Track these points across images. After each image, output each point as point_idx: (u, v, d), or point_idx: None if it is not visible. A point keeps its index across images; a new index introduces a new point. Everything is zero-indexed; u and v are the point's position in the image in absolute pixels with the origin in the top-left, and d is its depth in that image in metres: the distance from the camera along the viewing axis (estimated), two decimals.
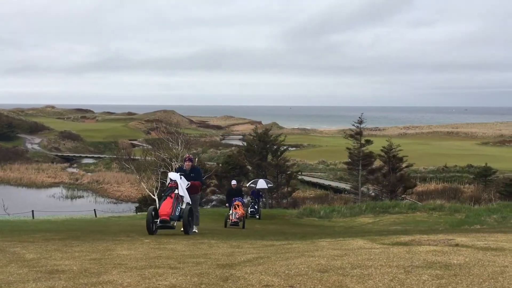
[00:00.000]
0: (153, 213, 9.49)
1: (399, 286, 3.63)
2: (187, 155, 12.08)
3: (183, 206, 10.02)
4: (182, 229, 10.11)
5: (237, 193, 18.01)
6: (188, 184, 10.43)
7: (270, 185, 23.66)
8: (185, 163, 11.62)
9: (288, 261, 4.80)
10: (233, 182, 19.63)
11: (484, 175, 41.68)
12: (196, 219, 11.41)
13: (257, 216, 20.54)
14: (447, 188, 43.27)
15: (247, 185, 18.42)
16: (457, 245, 5.60)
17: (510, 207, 20.58)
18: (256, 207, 20.59)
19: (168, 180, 10.26)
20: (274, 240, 8.29)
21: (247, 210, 18.85)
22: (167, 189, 10.12)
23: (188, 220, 9.83)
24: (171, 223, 9.61)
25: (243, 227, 15.77)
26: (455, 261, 4.43)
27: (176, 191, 9.90)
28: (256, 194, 20.99)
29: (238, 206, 16.32)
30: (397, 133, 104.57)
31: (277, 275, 4.14)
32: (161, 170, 29.19)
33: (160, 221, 9.47)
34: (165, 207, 9.55)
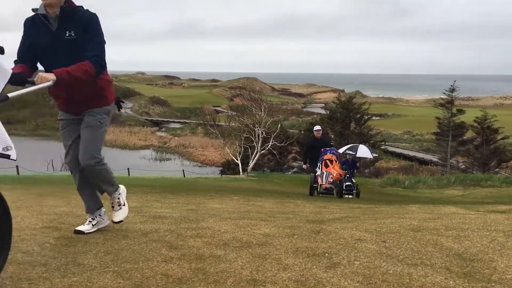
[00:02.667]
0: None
1: (499, 248, 3.51)
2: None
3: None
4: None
5: (324, 144, 12.45)
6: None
7: (374, 154, 17.20)
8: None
9: (378, 220, 4.80)
10: (317, 128, 13.96)
11: None
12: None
13: (353, 194, 12.74)
14: None
15: (341, 151, 13.35)
16: None
17: None
18: (353, 180, 13.07)
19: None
20: (360, 203, 8.28)
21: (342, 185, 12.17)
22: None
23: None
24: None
25: (347, 194, 11.65)
26: None
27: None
28: (351, 164, 13.92)
29: (331, 162, 11.13)
30: (493, 104, 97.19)
31: (368, 231, 4.17)
32: (245, 135, 29.85)
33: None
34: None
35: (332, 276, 2.85)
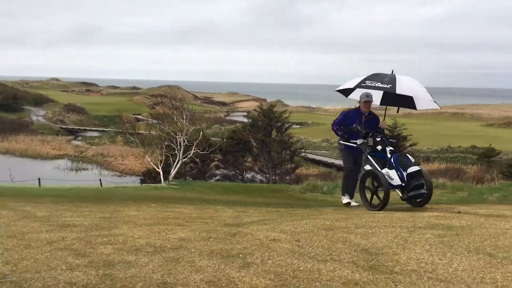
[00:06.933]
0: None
1: (402, 242, 3.73)
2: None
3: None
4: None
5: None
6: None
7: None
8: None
9: (294, 222, 4.91)
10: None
11: (487, 156, 41.63)
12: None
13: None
14: (450, 168, 43.27)
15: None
16: (459, 212, 5.70)
17: None
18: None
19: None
20: (278, 207, 8.43)
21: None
22: None
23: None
24: None
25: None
26: (457, 224, 4.51)
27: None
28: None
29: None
30: (402, 113, 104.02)
31: (284, 232, 4.25)
32: (166, 143, 29.33)
33: None
34: None
35: (244, 275, 2.86)
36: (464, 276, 2.89)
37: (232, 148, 37.64)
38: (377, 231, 4.20)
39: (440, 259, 3.23)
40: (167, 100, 39.57)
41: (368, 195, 6.79)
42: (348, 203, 7.64)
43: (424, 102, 7.30)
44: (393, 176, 6.39)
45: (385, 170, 6.51)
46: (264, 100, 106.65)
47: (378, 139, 6.90)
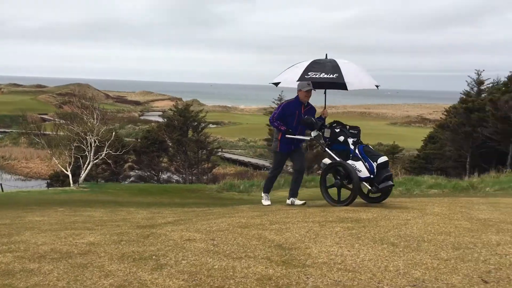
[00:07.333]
0: None
1: (314, 236, 3.85)
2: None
3: None
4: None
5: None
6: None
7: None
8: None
9: (209, 221, 4.88)
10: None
11: (392, 152, 44.52)
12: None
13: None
14: None
15: None
16: (366, 205, 6.02)
17: (414, 181, 22.25)
18: None
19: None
20: (195, 207, 8.35)
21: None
22: None
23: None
24: None
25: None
26: (364, 217, 4.76)
27: None
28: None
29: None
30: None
31: (199, 231, 4.21)
32: (75, 144, 27.88)
33: None
34: None
35: (157, 277, 2.78)
36: (370, 265, 3.05)
37: (147, 149, 36.71)
38: (291, 226, 4.30)
39: (349, 251, 3.38)
40: (76, 99, 37.55)
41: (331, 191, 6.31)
42: (269, 204, 6.91)
43: (360, 83, 6.75)
44: (360, 168, 5.93)
45: (350, 162, 6.01)
46: (180, 99, 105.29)
47: (337, 130, 6.34)
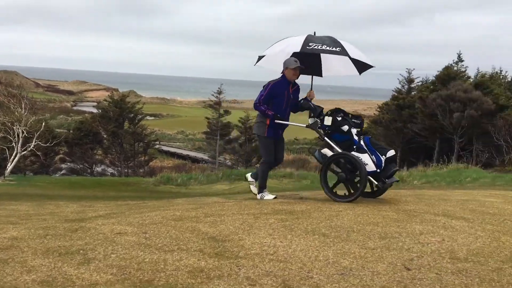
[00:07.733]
0: None
1: (248, 228, 3.88)
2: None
3: None
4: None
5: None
6: None
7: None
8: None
9: (143, 214, 4.77)
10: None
11: None
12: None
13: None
14: (297, 158, 46.68)
15: None
16: (301, 198, 6.15)
17: None
18: None
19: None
20: (129, 200, 8.14)
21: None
22: None
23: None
24: None
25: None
26: (298, 209, 4.86)
27: None
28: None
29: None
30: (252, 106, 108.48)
31: (131, 224, 4.10)
32: (1, 135, 26.29)
33: None
34: None
35: (83, 272, 2.68)
36: (301, 255, 3.11)
37: (80, 140, 35.34)
38: (225, 219, 4.30)
39: (281, 242, 3.43)
40: (2, 87, 35.40)
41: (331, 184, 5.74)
42: (275, 197, 6.03)
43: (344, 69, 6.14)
44: (367, 161, 5.38)
45: (354, 155, 5.46)
46: (116, 90, 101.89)
47: (339, 118, 5.68)
